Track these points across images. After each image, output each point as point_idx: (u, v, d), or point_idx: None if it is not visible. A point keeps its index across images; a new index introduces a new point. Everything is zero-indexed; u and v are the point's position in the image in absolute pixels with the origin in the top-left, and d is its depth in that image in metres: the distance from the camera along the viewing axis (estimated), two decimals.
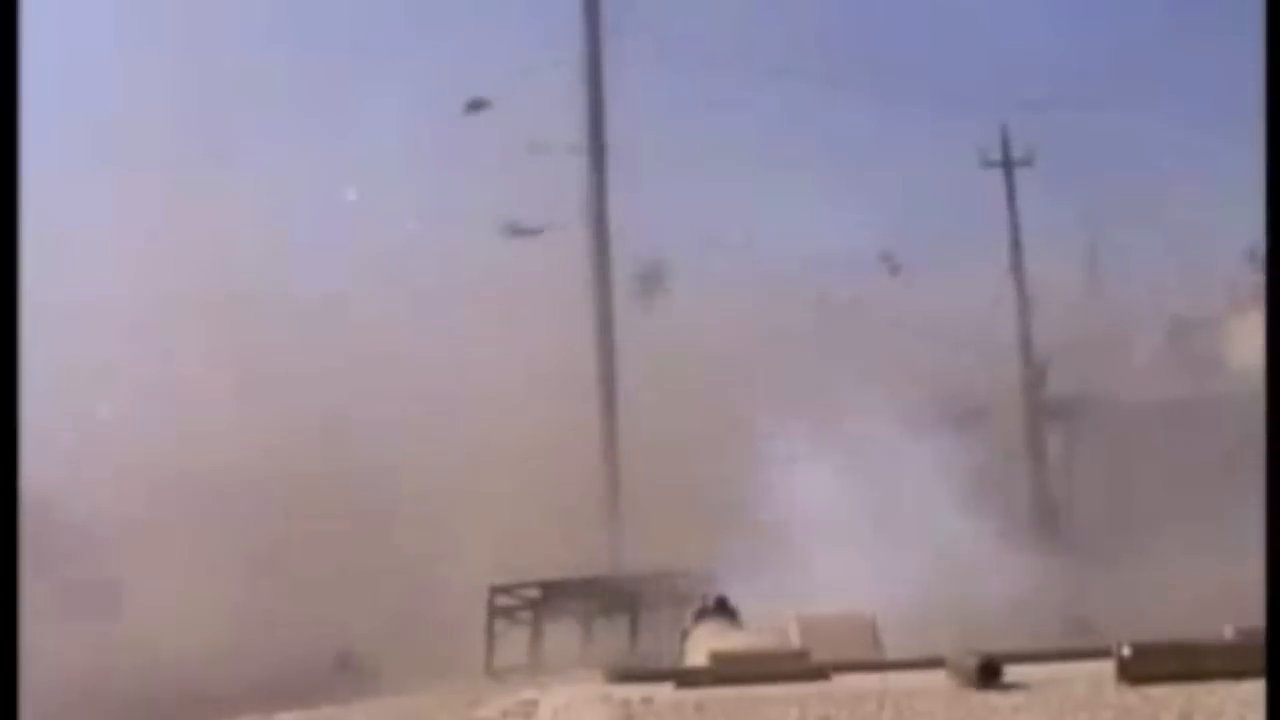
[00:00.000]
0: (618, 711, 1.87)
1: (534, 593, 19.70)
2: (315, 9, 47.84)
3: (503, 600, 19.61)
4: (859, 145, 48.98)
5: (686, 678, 2.02)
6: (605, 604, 20.53)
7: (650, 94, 39.12)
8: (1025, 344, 40.45)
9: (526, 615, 19.48)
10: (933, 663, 2.08)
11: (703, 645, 2.75)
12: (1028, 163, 40.18)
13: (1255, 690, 1.86)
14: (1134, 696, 1.88)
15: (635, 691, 1.94)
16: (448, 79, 35.21)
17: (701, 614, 3.29)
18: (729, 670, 2.06)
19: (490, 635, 19.23)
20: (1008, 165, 40.24)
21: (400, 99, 34.98)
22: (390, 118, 35.40)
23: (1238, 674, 1.91)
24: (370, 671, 20.30)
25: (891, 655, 2.46)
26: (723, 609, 3.27)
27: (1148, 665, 1.94)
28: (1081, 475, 38.99)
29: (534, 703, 2.05)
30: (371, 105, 36.31)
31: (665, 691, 1.95)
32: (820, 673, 2.05)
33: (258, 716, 16.83)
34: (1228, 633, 2.15)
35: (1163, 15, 37.78)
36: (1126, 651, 1.95)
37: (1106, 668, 1.98)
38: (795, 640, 2.51)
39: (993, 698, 1.91)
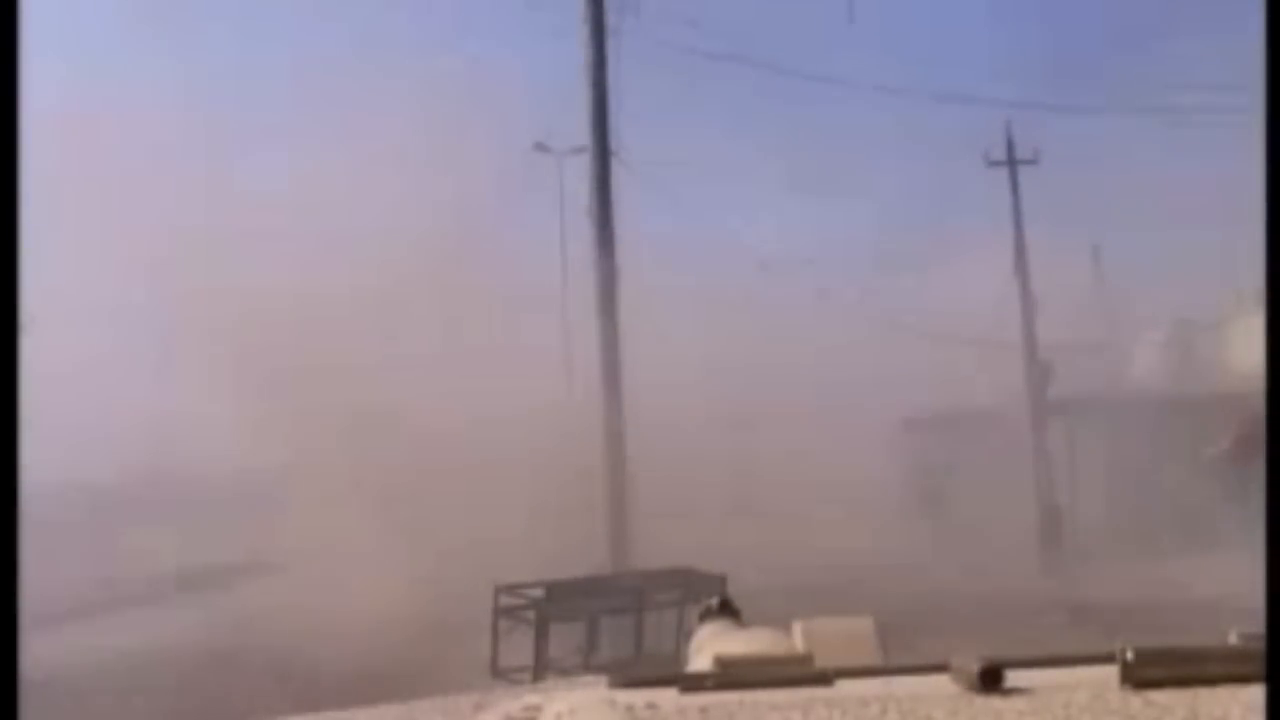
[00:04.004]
0: (622, 717, 1.87)
1: (538, 592, 19.71)
2: (318, 10, 48.10)
3: (507, 599, 19.64)
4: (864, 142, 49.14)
5: (690, 683, 2.03)
6: (610, 603, 20.57)
7: (651, 94, 39.21)
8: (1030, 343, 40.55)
9: (531, 615, 19.48)
10: (936, 668, 2.09)
11: (707, 647, 2.75)
12: (1033, 161, 40.36)
13: (1260, 695, 1.86)
14: (1137, 701, 1.88)
15: (639, 697, 1.95)
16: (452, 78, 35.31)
17: (706, 614, 3.29)
18: (733, 675, 2.06)
19: (495, 635, 19.26)
20: (1012, 164, 40.38)
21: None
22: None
23: (1243, 679, 1.92)
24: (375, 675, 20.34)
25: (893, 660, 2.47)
26: (726, 609, 3.27)
27: (1151, 670, 1.95)
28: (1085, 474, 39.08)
29: (537, 707, 2.05)
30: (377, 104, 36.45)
31: (670, 696, 1.95)
32: (824, 678, 2.05)
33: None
34: (1232, 637, 2.16)
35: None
36: (1130, 656, 1.96)
37: (1110, 672, 1.98)
38: (798, 645, 2.52)
39: (995, 702, 1.91)
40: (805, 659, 2.25)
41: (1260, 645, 1.97)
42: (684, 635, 17.77)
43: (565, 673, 17.24)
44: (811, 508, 32.61)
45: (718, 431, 34.38)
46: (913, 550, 32.83)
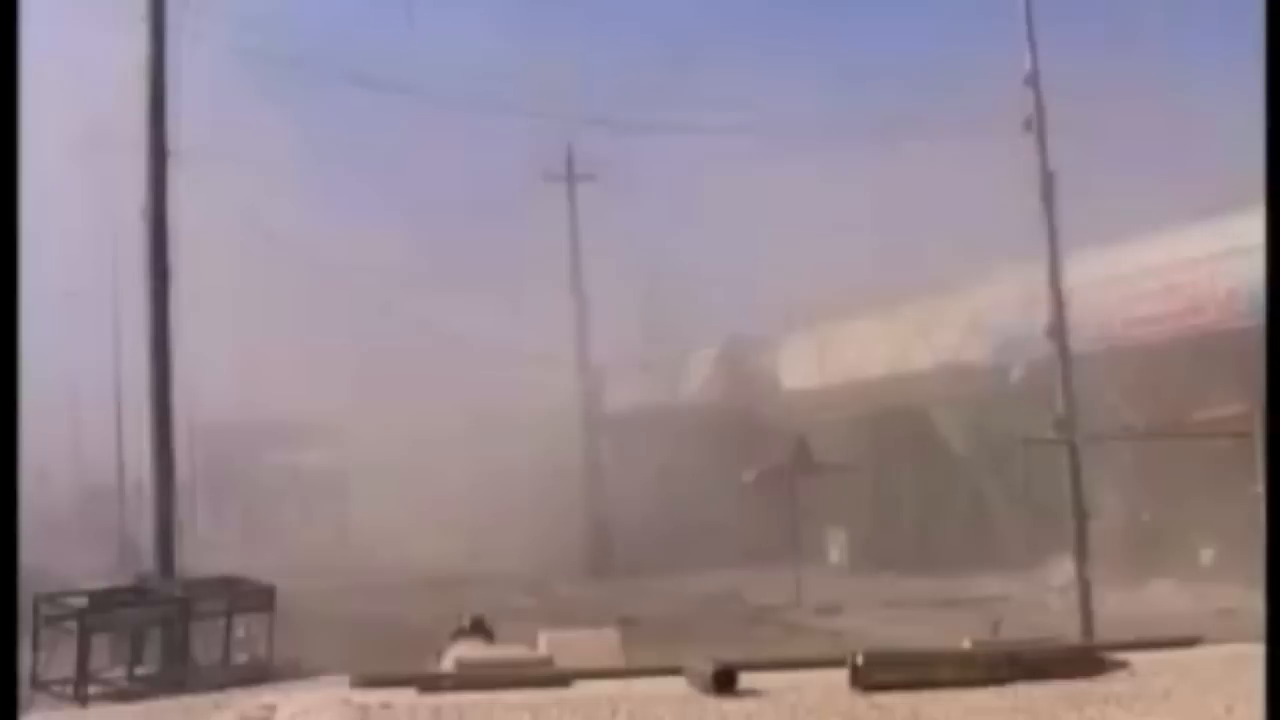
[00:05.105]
0: (355, 715, 1.85)
1: (81, 601, 18.92)
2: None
3: (48, 610, 18.76)
4: None
5: (429, 683, 2.00)
6: (154, 613, 19.89)
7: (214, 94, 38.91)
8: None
9: (73, 625, 18.68)
10: (672, 670, 2.11)
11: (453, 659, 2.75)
12: (592, 177, 40.92)
13: (984, 698, 1.93)
14: (863, 703, 1.94)
15: (376, 696, 1.92)
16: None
17: (458, 634, 3.28)
18: (471, 676, 2.05)
19: (35, 645, 18.39)
20: (571, 180, 40.94)
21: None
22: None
23: (972, 682, 1.99)
24: None
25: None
26: (479, 629, 3.26)
27: (880, 673, 2.01)
28: None
29: (272, 707, 1.99)
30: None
31: (407, 696, 1.92)
32: (562, 680, 2.06)
33: None
34: (966, 643, 2.24)
35: None
36: (860, 659, 2.01)
37: (840, 675, 2.03)
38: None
39: (726, 704, 1.96)
40: (545, 661, 2.26)
41: (991, 651, 2.06)
42: (234, 644, 17.36)
43: (109, 684, 16.82)
44: None
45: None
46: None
